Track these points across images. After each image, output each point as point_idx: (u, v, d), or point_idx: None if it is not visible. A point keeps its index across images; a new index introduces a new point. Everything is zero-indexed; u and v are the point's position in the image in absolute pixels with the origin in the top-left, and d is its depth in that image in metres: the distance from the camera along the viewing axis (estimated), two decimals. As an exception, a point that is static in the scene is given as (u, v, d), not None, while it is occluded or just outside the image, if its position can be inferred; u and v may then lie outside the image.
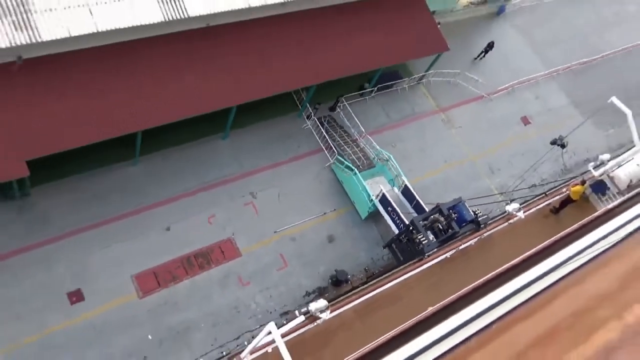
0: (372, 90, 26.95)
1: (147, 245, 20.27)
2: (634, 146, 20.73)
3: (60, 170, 20.15)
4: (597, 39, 35.74)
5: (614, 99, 20.37)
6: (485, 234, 18.38)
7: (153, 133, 19.86)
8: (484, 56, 30.86)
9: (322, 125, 25.21)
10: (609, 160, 20.45)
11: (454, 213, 18.66)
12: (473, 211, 18.62)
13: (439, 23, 27.68)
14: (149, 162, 21.89)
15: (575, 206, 19.98)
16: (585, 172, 21.67)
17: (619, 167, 20.15)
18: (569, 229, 10.12)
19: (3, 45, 16.00)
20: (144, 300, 19.25)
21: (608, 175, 20.34)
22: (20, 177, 17.22)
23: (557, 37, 34.61)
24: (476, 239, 18.11)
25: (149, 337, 18.61)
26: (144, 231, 20.54)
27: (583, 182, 20.28)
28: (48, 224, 19.44)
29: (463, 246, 17.83)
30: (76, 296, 18.63)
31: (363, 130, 25.43)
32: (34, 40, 16.45)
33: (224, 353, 16.88)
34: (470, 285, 8.49)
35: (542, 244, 11.07)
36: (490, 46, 30.40)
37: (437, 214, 18.97)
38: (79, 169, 20.60)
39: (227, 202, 22.25)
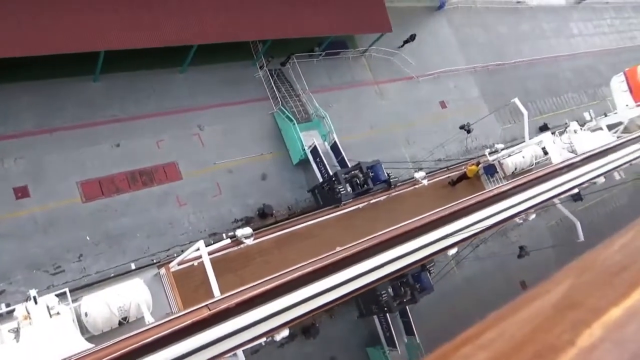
0: (320, 54, 26.36)
1: (96, 157, 19.16)
2: (523, 142, 21.76)
3: (24, 73, 18.37)
4: (512, 47, 36.68)
5: (516, 100, 21.10)
6: (393, 193, 18.87)
7: (116, 54, 18.46)
8: (402, 46, 29.72)
9: (272, 76, 24.48)
10: (502, 149, 21.39)
11: (372, 172, 18.94)
12: (387, 173, 18.99)
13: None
14: (109, 80, 20.41)
15: (468, 182, 20.91)
16: (481, 156, 22.59)
17: (508, 156, 21.15)
18: (461, 201, 10.56)
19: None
20: (87, 205, 18.35)
21: (499, 162, 21.32)
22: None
23: (481, 39, 35.16)
24: (385, 197, 18.57)
25: (87, 237, 17.88)
26: (95, 143, 19.35)
27: (478, 164, 21.17)
28: (4, 122, 17.83)
29: (374, 201, 18.24)
30: (22, 192, 17.43)
31: (307, 87, 24.96)
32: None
33: (155, 261, 16.54)
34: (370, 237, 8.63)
35: (440, 210, 11.49)
36: (412, 38, 29.45)
37: (357, 171, 19.19)
38: (41, 75, 18.86)
39: (176, 130, 21.33)
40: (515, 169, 20.84)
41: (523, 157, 20.95)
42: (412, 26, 31.26)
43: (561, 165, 13.44)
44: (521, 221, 19.03)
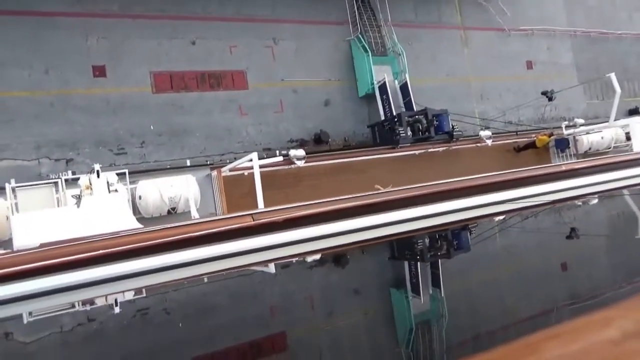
0: (412, -14, 24.87)
1: (171, 50, 19.57)
2: (606, 122, 20.29)
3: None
4: (625, 15, 33.07)
5: (612, 75, 19.45)
6: (453, 147, 18.40)
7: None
8: None
9: (357, 1, 23.52)
10: (580, 125, 20.11)
11: (436, 120, 18.46)
12: (452, 125, 18.42)
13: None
14: (194, -25, 20.33)
15: (535, 152, 19.98)
16: (557, 127, 21.33)
17: (586, 133, 19.89)
18: (525, 169, 10.14)
19: None
20: (156, 95, 19.06)
21: (574, 137, 20.13)
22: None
23: (590, 1, 31.82)
24: (445, 149, 18.14)
25: (151, 127, 18.75)
26: (172, 37, 19.68)
27: (551, 135, 20.06)
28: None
29: (432, 150, 17.88)
30: (99, 71, 18.26)
31: (389, 19, 23.88)
32: None
33: (208, 162, 17.28)
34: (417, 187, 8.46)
35: (498, 174, 11.07)
36: None
37: (422, 116, 18.73)
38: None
39: (251, 38, 21.25)
40: (590, 148, 19.67)
41: (602, 137, 19.69)
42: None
43: (642, 155, 12.50)
44: (580, 203, 18.20)
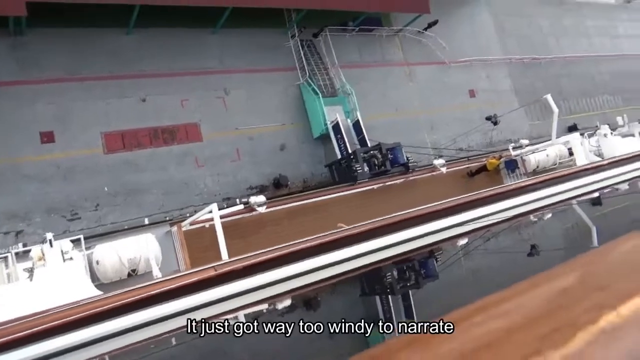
0: (353, 29, 25.94)
1: (121, 110, 19.41)
2: (550, 140, 21.35)
3: (58, 20, 18.53)
4: (552, 41, 35.54)
5: (549, 97, 20.61)
6: (410, 178, 18.80)
7: (151, 9, 18.52)
8: (426, 29, 28.31)
9: (303, 47, 24.25)
10: (526, 145, 21.04)
11: (391, 154, 18.88)
12: (407, 156, 18.89)
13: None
14: (141, 34, 20.48)
15: (487, 175, 20.69)
16: (504, 150, 22.26)
17: (532, 153, 20.81)
18: (478, 192, 10.47)
19: None
20: (108, 156, 18.70)
21: (522, 157, 21.01)
22: (17, 16, 15.75)
23: (520, 30, 34.12)
24: (402, 180, 18.51)
25: (105, 188, 18.28)
26: (122, 96, 19.58)
27: (500, 157, 20.88)
28: (37, 66, 18.16)
29: (389, 183, 18.21)
30: (48, 137, 17.83)
31: (336, 61, 24.69)
32: None
33: (168, 218, 16.90)
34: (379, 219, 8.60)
35: (455, 199, 11.39)
36: (435, 22, 27.94)
37: (377, 151, 19.12)
38: (75, 23, 19.00)
39: (202, 91, 21.42)
40: (538, 166, 20.53)
41: (547, 155, 20.62)
42: (450, 10, 30.48)
43: (584, 167, 13.19)
44: (536, 219, 18.82)
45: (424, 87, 28.14)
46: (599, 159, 18.35)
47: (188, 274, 6.53)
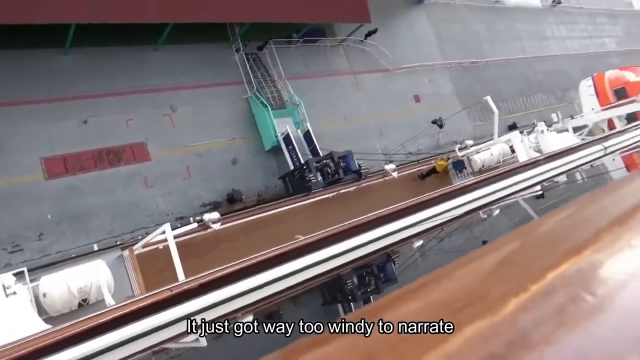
0: (298, 41, 26.18)
1: (62, 133, 18.58)
2: (492, 139, 22.25)
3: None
4: (487, 45, 37.25)
5: (488, 98, 21.50)
6: (363, 184, 19.04)
7: (88, 28, 17.91)
8: (365, 38, 29.01)
9: (248, 61, 24.18)
10: (471, 146, 21.81)
11: (343, 162, 19.04)
12: (358, 164, 19.13)
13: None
14: (79, 54, 19.74)
15: (437, 176, 21.28)
16: (451, 151, 22.99)
17: (477, 153, 21.59)
18: (427, 194, 10.79)
19: None
20: (49, 182, 17.83)
21: (467, 158, 21.75)
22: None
23: (458, 35, 35.57)
24: (355, 187, 18.72)
25: (49, 216, 17.40)
26: (62, 119, 18.76)
27: (447, 159, 21.54)
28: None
29: (344, 191, 18.36)
30: (-19, 165, 16.78)
31: (283, 74, 24.78)
32: None
33: (118, 242, 16.24)
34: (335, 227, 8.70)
35: (405, 202, 11.67)
36: (374, 31, 28.65)
37: (329, 160, 19.25)
38: (9, 44, 18.04)
39: (147, 109, 20.87)
40: (483, 165, 21.30)
41: (491, 154, 21.43)
42: (390, 18, 31.34)
43: (524, 163, 13.82)
44: (485, 216, 19.53)
45: (371, 95, 28.71)
46: (538, 154, 19.31)
47: (142, 298, 6.29)
